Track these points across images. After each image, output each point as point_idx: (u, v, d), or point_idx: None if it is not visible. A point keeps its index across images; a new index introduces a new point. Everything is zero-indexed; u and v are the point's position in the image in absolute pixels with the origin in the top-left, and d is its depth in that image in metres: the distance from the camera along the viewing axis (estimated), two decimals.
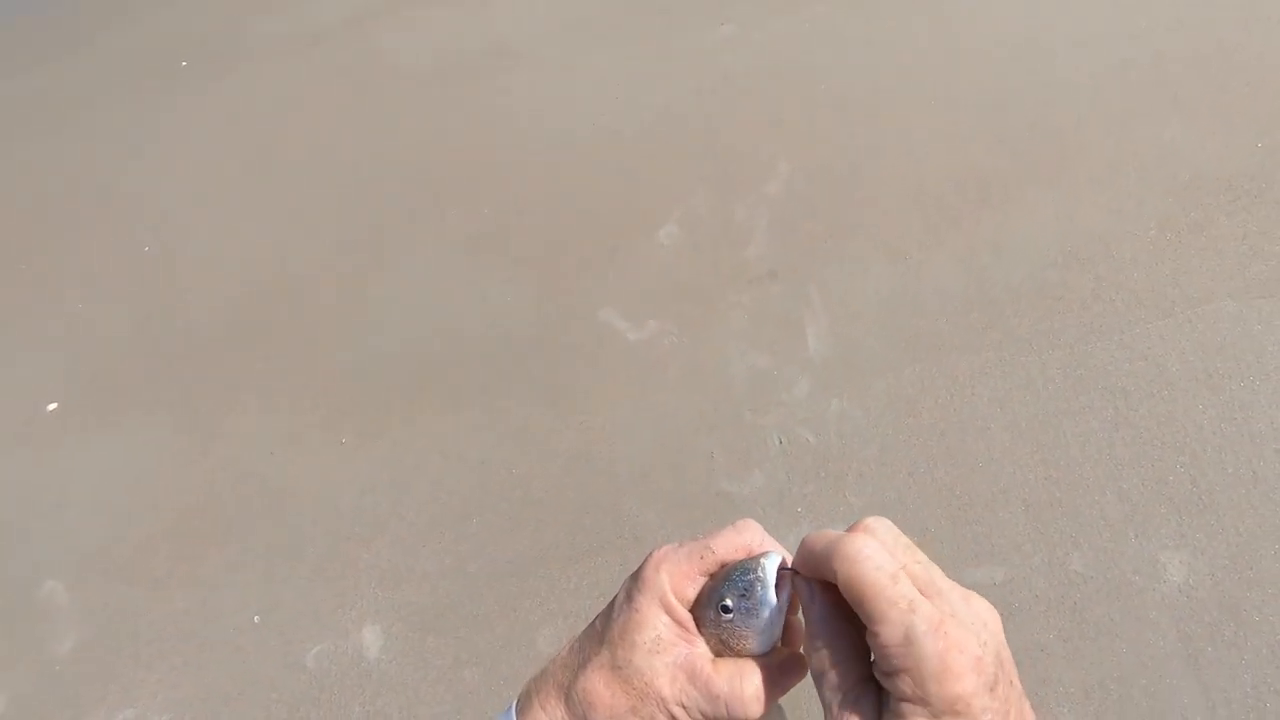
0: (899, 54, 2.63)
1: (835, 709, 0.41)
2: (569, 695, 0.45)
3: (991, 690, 0.38)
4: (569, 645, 0.49)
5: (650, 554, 0.48)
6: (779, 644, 0.46)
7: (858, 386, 1.89)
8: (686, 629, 0.46)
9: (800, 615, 0.45)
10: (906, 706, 0.38)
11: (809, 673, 0.45)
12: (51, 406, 2.52)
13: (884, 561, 0.40)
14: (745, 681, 0.44)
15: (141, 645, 1.89)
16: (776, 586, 0.44)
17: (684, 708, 0.44)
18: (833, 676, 0.41)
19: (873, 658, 0.41)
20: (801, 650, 0.47)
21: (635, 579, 0.47)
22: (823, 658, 0.42)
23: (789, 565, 0.45)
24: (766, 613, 0.44)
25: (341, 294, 2.57)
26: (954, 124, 2.37)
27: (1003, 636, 0.40)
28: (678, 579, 0.46)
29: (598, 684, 0.45)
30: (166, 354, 2.56)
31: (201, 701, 1.77)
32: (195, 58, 3.79)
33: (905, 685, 0.38)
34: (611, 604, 0.48)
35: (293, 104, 3.38)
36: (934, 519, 1.65)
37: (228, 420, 2.32)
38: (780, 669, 0.46)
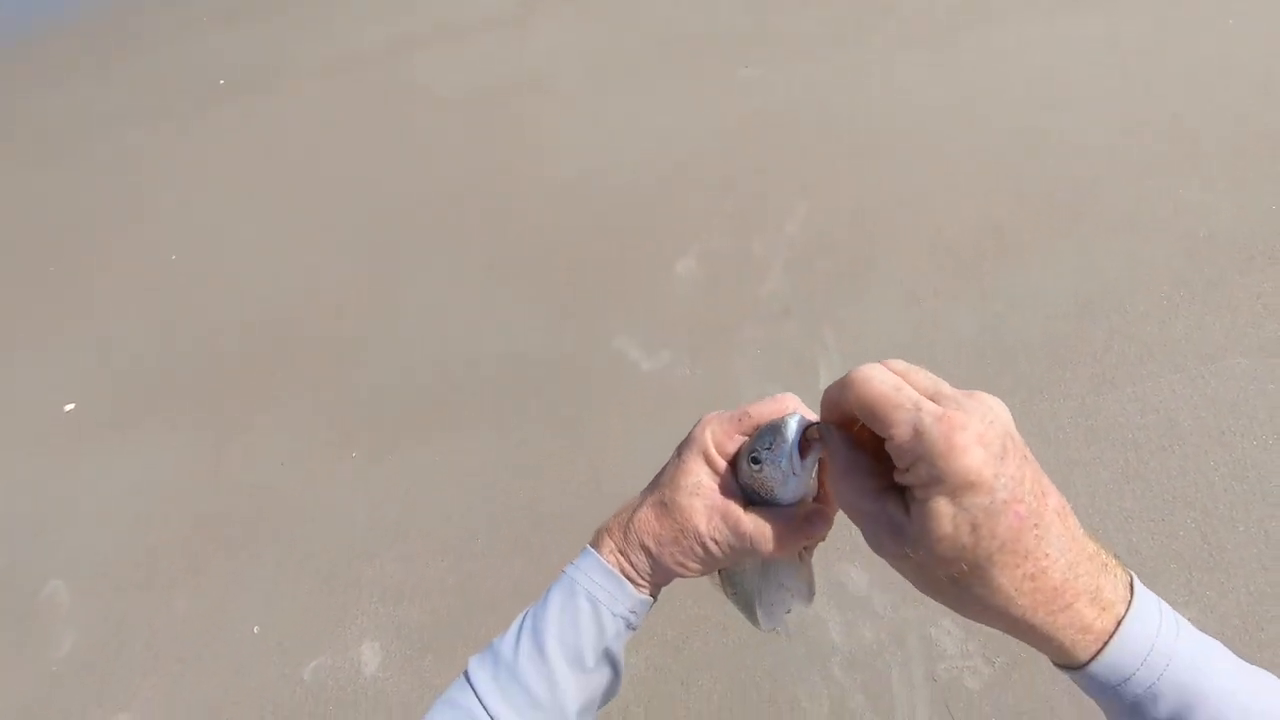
0: (920, 102, 2.69)
1: (866, 508, 0.45)
2: (627, 527, 0.54)
3: (1001, 459, 0.40)
4: (631, 498, 0.57)
5: (700, 421, 0.55)
6: (807, 499, 0.52)
7: None
8: (724, 478, 0.52)
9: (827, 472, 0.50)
10: (924, 492, 0.41)
11: (834, 518, 0.51)
12: (69, 407, 2.56)
13: (887, 377, 0.44)
14: (769, 524, 0.50)
15: (139, 650, 1.89)
16: (800, 442, 0.48)
17: (715, 542, 0.51)
18: (859, 488, 0.45)
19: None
20: (829, 494, 0.51)
21: (688, 438, 0.54)
22: (848, 481, 0.46)
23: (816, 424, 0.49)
24: (787, 463, 0.48)
25: (362, 312, 2.61)
26: (973, 174, 2.41)
27: (1010, 421, 0.43)
28: (720, 436, 0.53)
29: (649, 516, 0.53)
30: (186, 362, 2.61)
31: (195, 710, 1.76)
32: (234, 77, 3.92)
33: (921, 470, 0.41)
34: (666, 463, 0.56)
35: (327, 126, 3.49)
36: None
37: (243, 431, 2.34)
38: (804, 518, 0.51)
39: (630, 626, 0.55)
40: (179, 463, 2.31)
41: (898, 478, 0.44)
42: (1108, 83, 2.54)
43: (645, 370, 2.19)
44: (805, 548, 0.54)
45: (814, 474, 0.50)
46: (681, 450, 0.54)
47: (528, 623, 0.54)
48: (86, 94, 4.13)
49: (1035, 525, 0.40)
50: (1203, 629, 1.40)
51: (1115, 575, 0.42)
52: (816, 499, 0.52)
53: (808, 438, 0.48)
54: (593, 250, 2.56)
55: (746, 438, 0.52)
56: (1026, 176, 2.34)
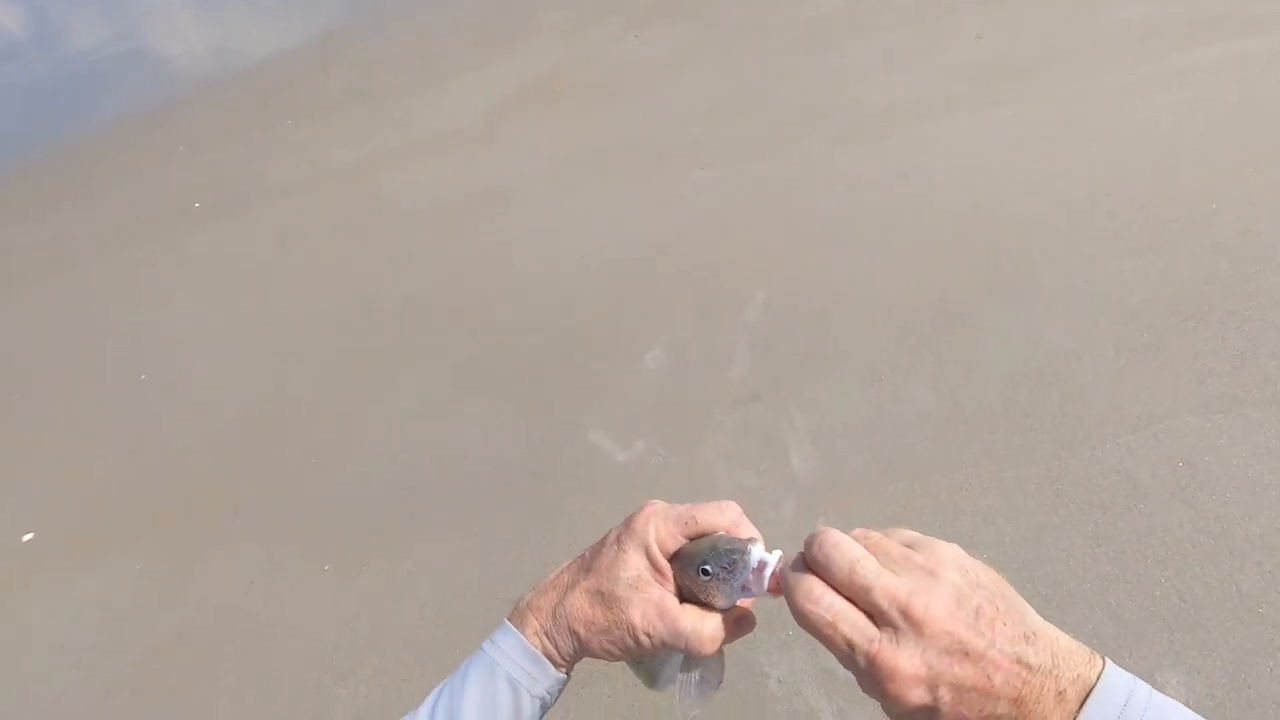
0: (862, 191, 2.87)
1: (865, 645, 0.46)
2: (556, 611, 0.54)
3: (933, 690, 0.42)
4: (557, 572, 0.57)
5: (643, 506, 0.56)
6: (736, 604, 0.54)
7: (842, 505, 1.92)
8: (663, 575, 0.53)
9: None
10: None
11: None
12: (27, 537, 2.47)
13: (821, 605, 0.46)
14: (705, 624, 0.52)
15: None
16: (753, 570, 0.51)
17: (648, 635, 0.52)
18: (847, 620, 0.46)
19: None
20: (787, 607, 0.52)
21: (628, 526, 0.55)
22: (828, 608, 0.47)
23: (769, 558, 0.51)
24: (739, 584, 0.51)
25: (331, 422, 2.61)
26: (917, 251, 2.55)
27: (971, 565, 0.46)
28: (663, 534, 0.54)
29: (583, 603, 0.54)
30: (152, 483, 2.55)
31: None
32: (209, 200, 4.04)
33: (865, 685, 0.44)
34: (602, 542, 0.56)
35: (295, 241, 3.58)
36: None
37: (207, 552, 2.27)
38: (735, 622, 0.53)
39: (545, 706, 0.55)
40: (141, 588, 2.21)
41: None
42: (1030, 166, 2.74)
43: (620, 461, 2.20)
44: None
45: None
46: (622, 540, 0.55)
47: (443, 702, 0.53)
48: (64, 224, 4.21)
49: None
50: (1193, 692, 1.39)
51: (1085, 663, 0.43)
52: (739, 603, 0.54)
53: (760, 566, 0.51)
54: (562, 347, 2.61)
55: (687, 539, 0.54)
56: (968, 253, 2.48)
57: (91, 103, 5.61)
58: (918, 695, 0.42)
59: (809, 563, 0.48)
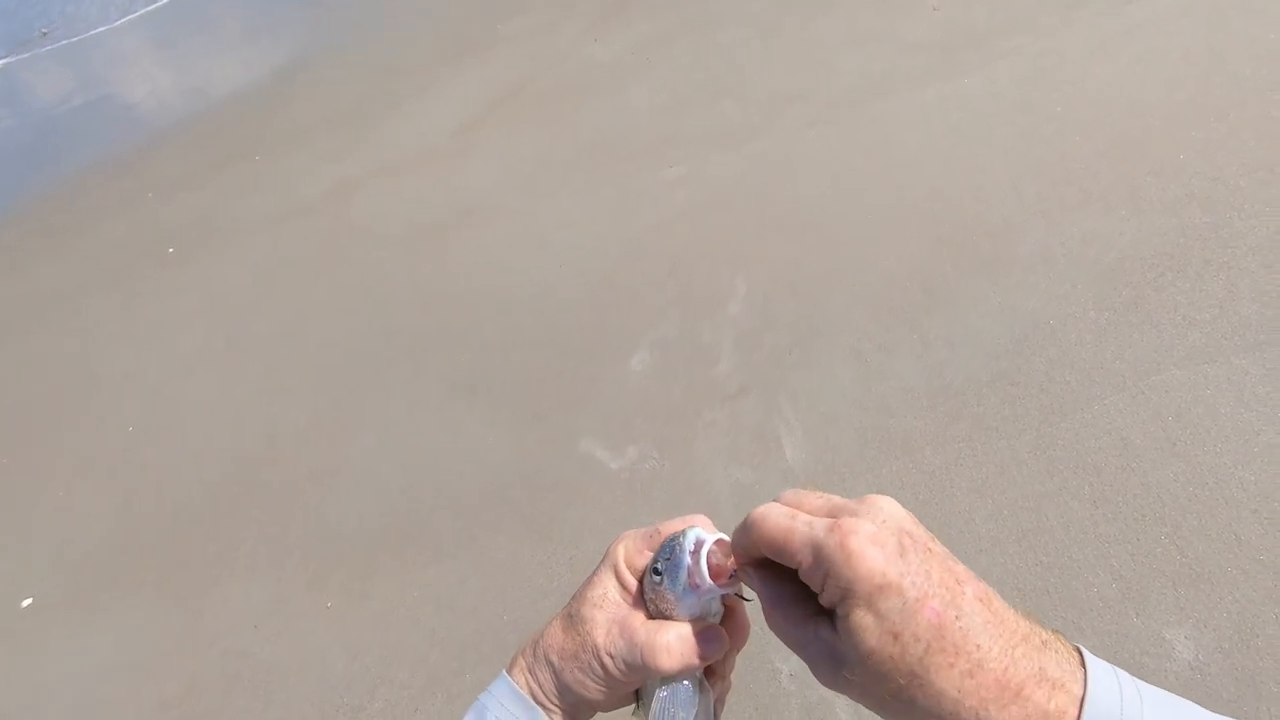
0: (834, 173, 2.87)
1: (799, 636, 0.45)
2: (536, 643, 0.55)
3: (902, 556, 0.41)
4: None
5: (618, 536, 0.56)
6: (706, 619, 0.51)
7: (838, 490, 1.90)
8: (630, 594, 0.53)
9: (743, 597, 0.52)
10: (842, 608, 0.41)
11: (739, 645, 0.52)
12: (26, 602, 2.45)
13: (780, 511, 0.46)
14: (661, 633, 0.49)
15: None
16: (692, 551, 0.49)
17: (611, 656, 0.50)
18: (789, 617, 0.46)
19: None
20: (739, 624, 0.53)
21: (605, 553, 0.56)
22: (777, 613, 0.47)
23: (722, 544, 0.50)
24: (684, 575, 0.48)
25: (322, 454, 2.59)
26: (893, 230, 2.55)
27: (905, 518, 0.44)
28: (631, 552, 0.54)
29: (556, 629, 0.54)
30: (149, 534, 2.53)
31: None
32: (183, 243, 4.02)
33: (832, 590, 0.42)
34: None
35: (274, 275, 3.56)
36: None
37: (210, 597, 2.26)
38: (700, 634, 0.50)
39: None
40: (147, 640, 2.20)
41: (821, 600, 0.44)
42: (999, 133, 2.74)
43: (615, 469, 2.20)
44: (707, 677, 0.53)
45: (718, 597, 0.51)
46: (597, 565, 0.55)
47: None
48: (37, 277, 4.18)
49: (956, 618, 0.39)
50: (1201, 647, 1.39)
51: (1058, 651, 0.40)
52: (722, 624, 0.53)
53: (713, 559, 0.49)
54: (548, 358, 2.60)
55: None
56: (943, 226, 2.48)
57: (61, 154, 5.57)
58: (879, 561, 0.40)
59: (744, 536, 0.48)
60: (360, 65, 5.19)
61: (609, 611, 0.52)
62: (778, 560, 0.45)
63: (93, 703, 2.10)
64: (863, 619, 0.40)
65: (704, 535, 0.49)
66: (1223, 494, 1.65)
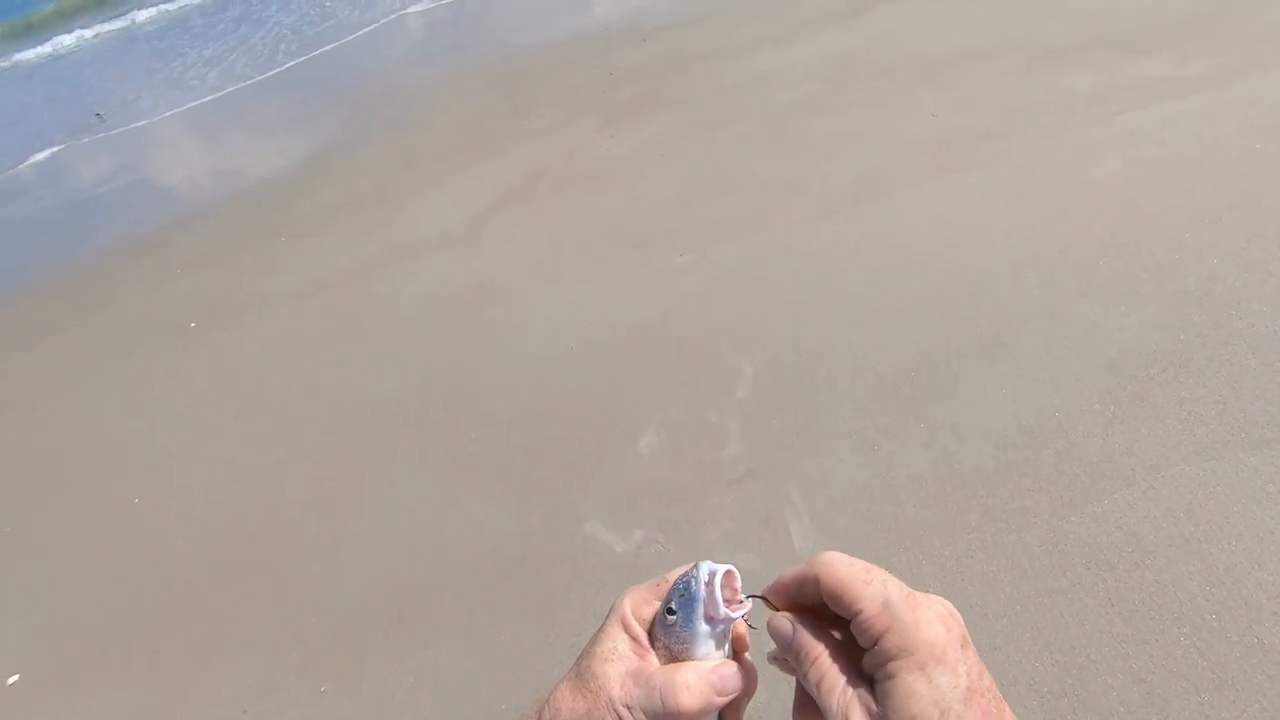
0: (838, 261, 2.96)
1: (838, 695, 0.45)
2: (542, 708, 0.52)
3: (963, 647, 0.42)
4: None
5: (624, 591, 0.55)
6: (725, 656, 0.51)
7: None
8: (641, 644, 0.52)
9: (761, 633, 0.52)
10: (895, 664, 0.42)
11: (753, 689, 0.51)
12: (13, 679, 2.39)
13: (855, 560, 0.47)
14: (680, 672, 0.49)
15: None
16: (707, 583, 0.49)
17: (629, 708, 0.49)
18: (828, 677, 0.46)
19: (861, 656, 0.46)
20: (746, 665, 0.52)
21: (609, 609, 0.55)
22: (817, 666, 0.47)
23: (729, 574, 0.50)
24: (700, 609, 0.48)
25: (324, 529, 2.58)
26: (897, 318, 2.60)
27: (961, 619, 0.45)
28: (638, 603, 0.53)
29: (565, 691, 0.52)
30: (142, 608, 2.49)
31: None
32: (204, 317, 4.13)
33: (890, 642, 0.42)
34: None
35: (288, 350, 3.64)
36: None
37: (200, 678, 2.20)
38: (717, 672, 0.50)
39: None
40: None
41: (866, 662, 0.45)
42: (997, 226, 2.84)
43: (620, 552, 2.17)
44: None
45: (728, 636, 0.51)
46: (603, 620, 0.55)
47: None
48: (55, 348, 4.28)
49: None
50: None
51: None
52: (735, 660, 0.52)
53: (725, 588, 0.50)
54: (554, 438, 2.62)
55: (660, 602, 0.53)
56: (946, 315, 2.54)
57: (94, 231, 5.81)
58: (943, 635, 0.42)
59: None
60: (387, 154, 5.47)
61: (621, 664, 0.51)
62: (834, 605, 0.47)
63: None
64: (914, 683, 0.41)
65: (715, 566, 0.51)
66: (1241, 594, 1.61)
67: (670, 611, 0.50)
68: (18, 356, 4.32)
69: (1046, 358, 2.28)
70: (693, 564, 0.52)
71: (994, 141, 3.33)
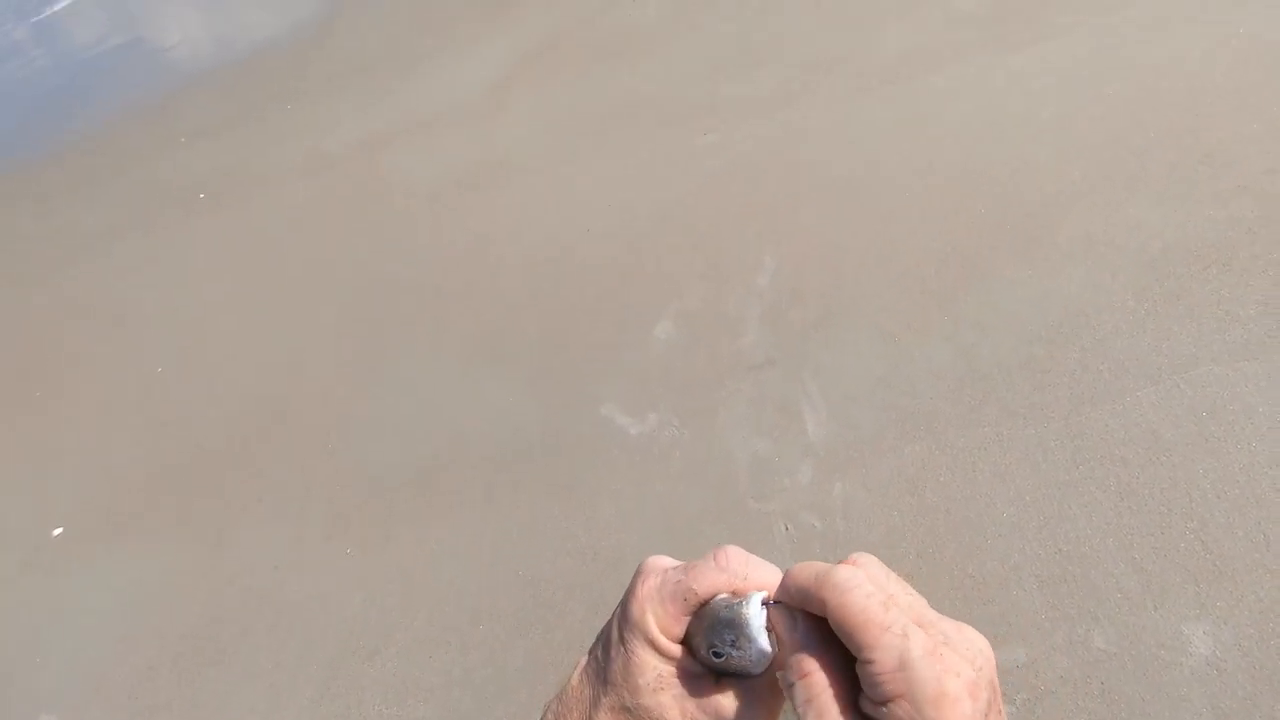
0: (869, 145, 2.80)
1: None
2: None
3: (985, 717, 0.38)
4: (579, 674, 0.51)
5: (635, 590, 0.49)
6: (772, 663, 0.47)
7: (859, 469, 1.90)
8: (681, 662, 0.47)
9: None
10: (898, 712, 0.38)
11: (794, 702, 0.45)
12: (57, 532, 2.53)
13: (874, 590, 0.40)
14: (747, 697, 0.46)
15: None
16: (768, 629, 0.45)
17: None
18: (818, 703, 0.40)
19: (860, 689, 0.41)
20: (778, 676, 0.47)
21: (625, 616, 0.49)
22: (807, 685, 0.41)
23: (771, 599, 0.46)
24: (755, 652, 0.45)
25: (345, 403, 2.62)
26: (929, 207, 2.49)
27: (994, 665, 0.40)
28: (664, 621, 0.47)
29: None
30: (173, 472, 2.59)
31: None
32: (213, 189, 4.04)
33: (900, 711, 0.37)
34: (607, 639, 0.50)
35: (302, 225, 3.58)
36: (947, 600, 1.62)
37: (232, 536, 2.32)
38: (774, 687, 0.46)
39: None
40: (169, 575, 2.27)
41: (864, 705, 0.40)
42: (1046, 112, 2.65)
43: (634, 434, 2.20)
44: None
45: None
46: (625, 636, 0.48)
47: None
48: (68, 218, 4.23)
49: None
50: (1219, 643, 1.38)
51: None
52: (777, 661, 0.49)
53: (766, 619, 0.46)
54: (572, 321, 2.60)
55: (691, 616, 0.48)
56: (981, 206, 2.42)
57: (92, 97, 5.60)
58: (966, 715, 0.37)
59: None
60: (394, 16, 5.13)
61: (671, 690, 0.46)
62: (843, 638, 0.41)
63: (116, 631, 2.17)
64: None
65: (759, 595, 0.46)
66: (1254, 493, 1.62)
67: (717, 654, 0.46)
68: (33, 220, 4.29)
69: (1083, 252, 2.18)
70: (730, 594, 0.47)
71: (1054, 14, 3.05)
